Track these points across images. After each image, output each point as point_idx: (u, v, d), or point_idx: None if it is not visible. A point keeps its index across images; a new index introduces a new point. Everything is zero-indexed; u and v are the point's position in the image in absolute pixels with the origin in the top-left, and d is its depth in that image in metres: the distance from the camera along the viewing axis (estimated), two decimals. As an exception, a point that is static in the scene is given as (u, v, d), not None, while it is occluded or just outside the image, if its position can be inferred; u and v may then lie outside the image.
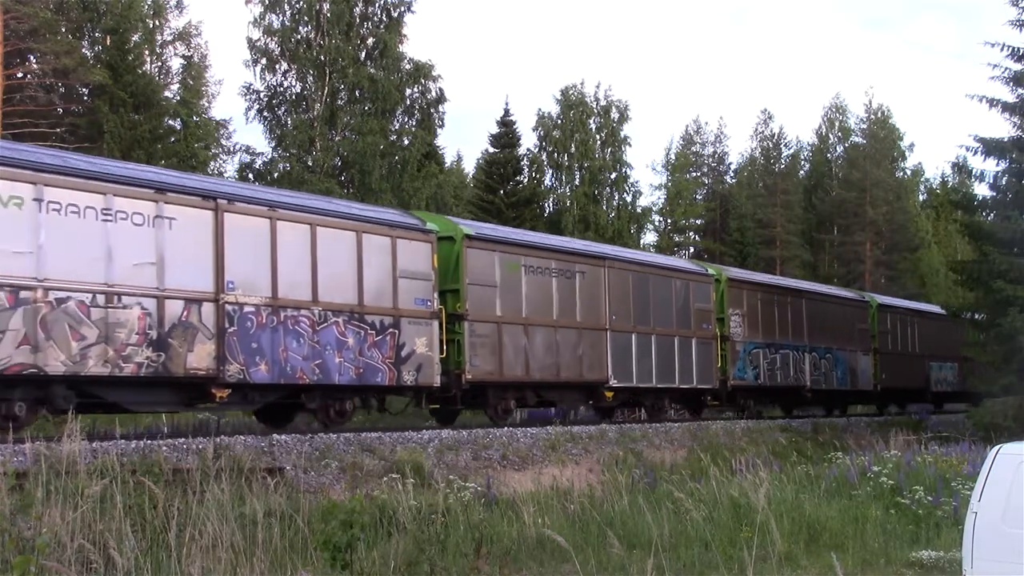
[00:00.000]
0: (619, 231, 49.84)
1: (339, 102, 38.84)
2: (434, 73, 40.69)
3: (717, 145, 66.75)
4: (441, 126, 42.45)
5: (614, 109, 52.57)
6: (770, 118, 69.14)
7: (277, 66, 39.23)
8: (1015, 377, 25.00)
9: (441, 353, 18.87)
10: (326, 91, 38.21)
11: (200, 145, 41.35)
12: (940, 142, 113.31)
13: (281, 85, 39.41)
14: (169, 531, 9.52)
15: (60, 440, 11.40)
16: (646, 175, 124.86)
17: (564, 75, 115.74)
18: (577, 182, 51.38)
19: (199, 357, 15.10)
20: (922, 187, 74.54)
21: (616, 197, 52.43)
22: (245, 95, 39.34)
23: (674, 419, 25.41)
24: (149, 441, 13.45)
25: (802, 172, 68.15)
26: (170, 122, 40.76)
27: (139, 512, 10.21)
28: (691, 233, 64.47)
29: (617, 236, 47.94)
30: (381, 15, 40.30)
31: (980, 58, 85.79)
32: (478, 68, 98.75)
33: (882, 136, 64.97)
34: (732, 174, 67.82)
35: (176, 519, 9.59)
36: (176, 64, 44.35)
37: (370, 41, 39.97)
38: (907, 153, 68.85)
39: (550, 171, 52.40)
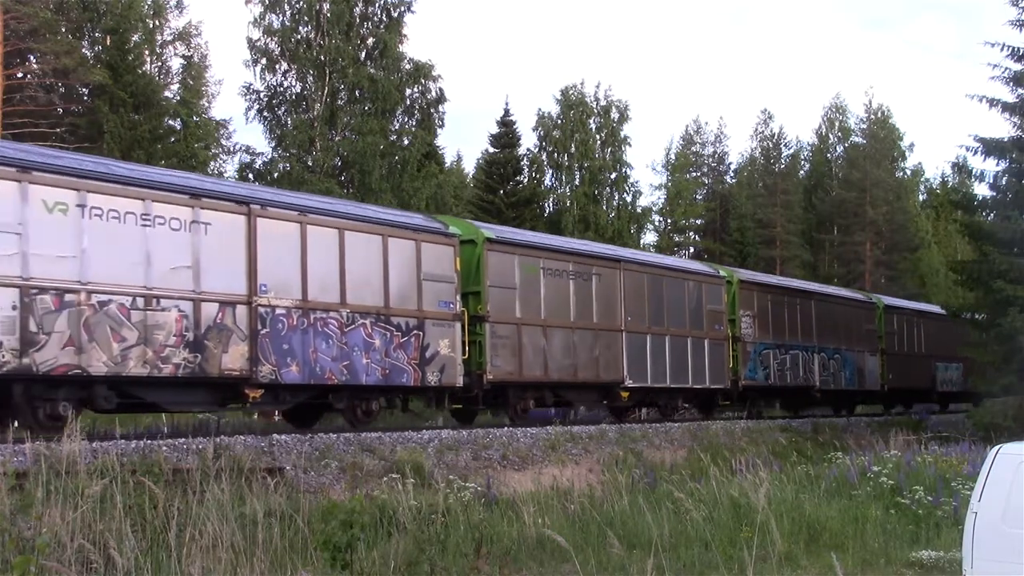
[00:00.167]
0: (619, 231, 49.85)
1: (339, 102, 38.83)
2: (434, 73, 40.72)
3: (717, 145, 66.83)
4: (441, 126, 42.52)
5: (614, 109, 52.60)
6: (770, 118, 69.24)
7: (277, 66, 39.23)
8: (1015, 377, 24.99)
9: (463, 354, 19.27)
10: (326, 91, 38.20)
11: (200, 145, 41.37)
12: (940, 142, 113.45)
13: (281, 85, 39.42)
14: (169, 531, 9.52)
15: (60, 440, 11.41)
16: (646, 175, 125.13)
17: (564, 75, 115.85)
18: (577, 182, 51.40)
19: (233, 358, 15.54)
20: (922, 187, 74.60)
21: (616, 197, 52.46)
22: (245, 95, 39.38)
23: (674, 419, 25.50)
24: (149, 441, 13.45)
25: (802, 172, 68.17)
26: (170, 122, 40.79)
27: (139, 512, 10.21)
28: (691, 233, 64.47)
29: (617, 236, 47.94)
30: (381, 15, 40.29)
31: (980, 58, 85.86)
32: (478, 68, 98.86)
33: (882, 136, 64.98)
34: (732, 174, 67.85)
35: (176, 519, 9.59)
36: (176, 64, 44.45)
37: (370, 41, 39.96)
38: (907, 153, 69.02)
39: (550, 171, 52.46)
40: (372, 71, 38.90)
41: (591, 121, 52.33)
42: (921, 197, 73.12)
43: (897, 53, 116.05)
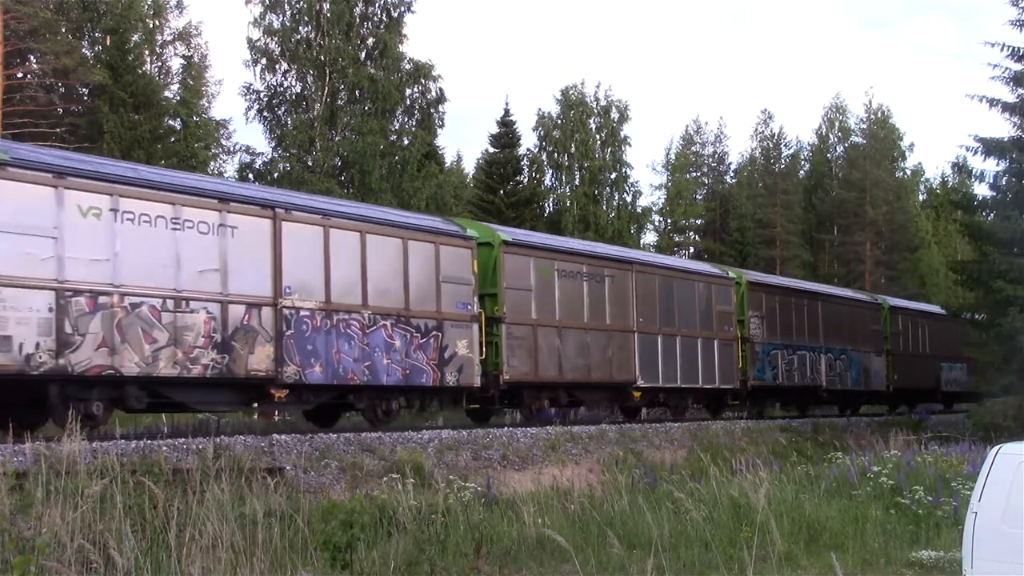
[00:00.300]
0: (619, 231, 49.84)
1: (339, 102, 38.83)
2: (434, 73, 40.73)
3: (717, 145, 66.81)
4: (441, 126, 42.55)
5: (614, 109, 52.60)
6: (770, 118, 69.21)
7: (277, 66, 39.23)
8: (1015, 377, 24.99)
9: (480, 355, 19.61)
10: (326, 91, 38.20)
11: (200, 145, 41.37)
12: (940, 142, 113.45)
13: (281, 85, 39.42)
14: (169, 531, 9.52)
15: (60, 440, 11.41)
16: (646, 175, 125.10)
17: (564, 75, 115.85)
18: (577, 182, 51.39)
19: (259, 359, 15.89)
20: (922, 187, 74.61)
21: (616, 197, 52.45)
22: (245, 95, 39.39)
23: (674, 419, 25.58)
24: (149, 441, 13.46)
25: (802, 172, 68.16)
26: (170, 122, 40.78)
27: (139, 512, 10.21)
28: (691, 233, 64.46)
29: (617, 236, 47.94)
30: (381, 15, 40.30)
31: (980, 58, 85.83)
32: (478, 68, 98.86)
33: (882, 136, 64.97)
34: (732, 174, 67.84)
35: (176, 519, 9.59)
36: (176, 64, 44.44)
37: (370, 41, 39.96)
38: (907, 153, 69.01)
39: (550, 171, 52.45)
40: (372, 71, 38.90)
41: (591, 121, 52.32)
42: (921, 197, 73.13)
43: (897, 53, 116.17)
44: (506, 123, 49.71)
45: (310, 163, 37.93)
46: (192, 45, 44.41)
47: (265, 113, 39.36)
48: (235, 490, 10.98)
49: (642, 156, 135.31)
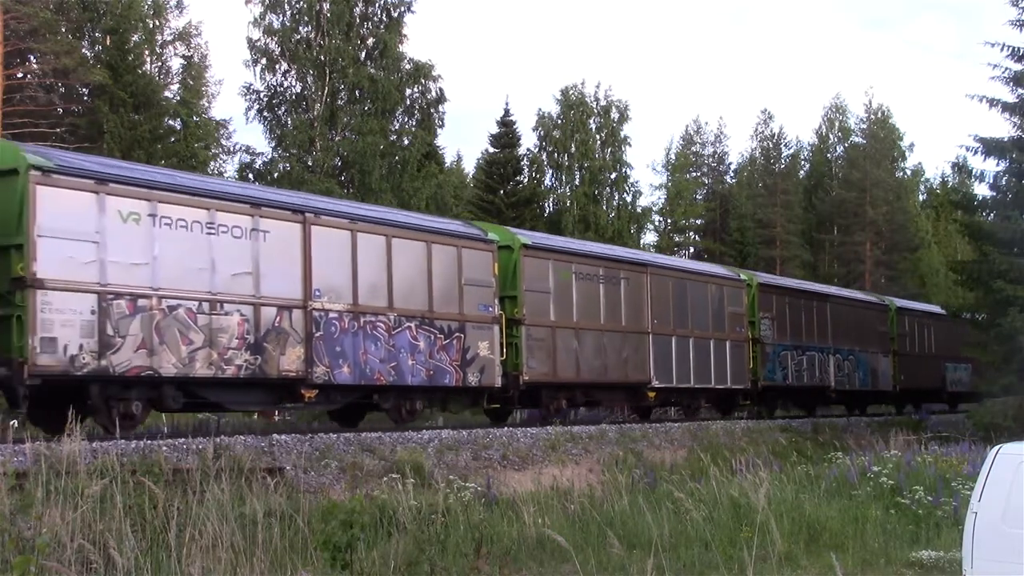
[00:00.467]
0: (619, 231, 49.84)
1: (339, 102, 38.83)
2: (434, 73, 40.72)
3: (717, 145, 66.81)
4: (441, 126, 42.54)
5: (614, 109, 52.61)
6: (770, 118, 69.13)
7: (277, 66, 39.23)
8: (1015, 377, 24.99)
9: (501, 355, 20.06)
10: (326, 91, 38.20)
11: (200, 145, 41.36)
12: (940, 142, 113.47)
13: (281, 85, 39.42)
14: (169, 531, 9.52)
15: (60, 440, 11.40)
16: (646, 175, 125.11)
17: (564, 75, 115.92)
18: (577, 182, 51.40)
19: (290, 360, 16.29)
20: (922, 187, 74.58)
21: (616, 197, 52.47)
22: (245, 95, 39.38)
23: (674, 419, 25.70)
24: (149, 441, 13.46)
25: (802, 172, 68.16)
26: (170, 122, 40.77)
27: (139, 512, 10.21)
28: (691, 233, 64.47)
29: (617, 236, 47.95)
30: (381, 15, 40.29)
31: (980, 58, 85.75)
32: (478, 68, 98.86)
33: (882, 136, 64.96)
34: (732, 174, 67.84)
35: (176, 519, 9.59)
36: (176, 64, 44.42)
37: (370, 41, 39.95)
38: (907, 153, 69.02)
39: (550, 171, 52.46)
40: (372, 71, 38.90)
41: (591, 121, 52.33)
42: (921, 197, 73.11)
43: (897, 53, 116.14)
44: (506, 123, 49.70)
45: (310, 163, 37.93)
46: (192, 45, 44.43)
47: (265, 113, 39.36)
48: (235, 490, 10.98)
49: (642, 156, 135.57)
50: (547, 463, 17.39)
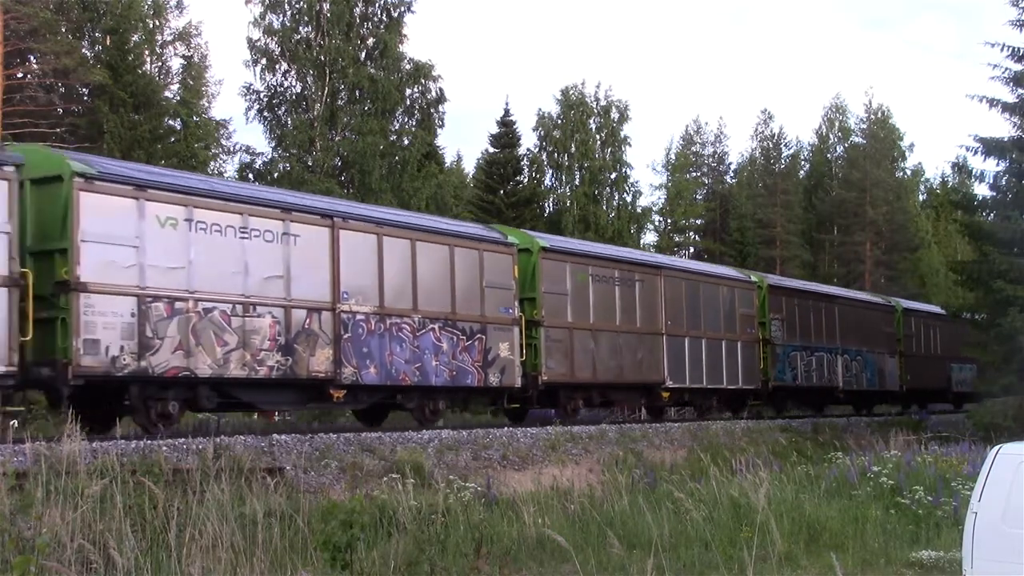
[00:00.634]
0: (619, 231, 49.82)
1: (339, 102, 38.83)
2: (434, 73, 40.75)
3: (717, 145, 66.78)
4: (441, 126, 42.57)
5: (614, 109, 52.59)
6: (770, 118, 69.07)
7: (277, 66, 39.25)
8: (1015, 377, 24.98)
9: (520, 356, 20.50)
10: (326, 91, 38.21)
11: (200, 145, 41.33)
12: (940, 142, 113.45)
13: (281, 85, 39.44)
14: (169, 531, 9.52)
15: (60, 440, 11.40)
16: (646, 175, 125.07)
17: (564, 75, 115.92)
18: (577, 182, 51.39)
19: (319, 361, 16.72)
20: (922, 187, 74.56)
21: (616, 197, 52.45)
22: (245, 95, 39.40)
23: (674, 419, 25.82)
24: (149, 441, 13.47)
25: (802, 172, 68.14)
26: (170, 122, 40.73)
27: (139, 512, 10.21)
28: (691, 233, 64.46)
29: (617, 236, 47.93)
30: (381, 15, 40.30)
31: (980, 58, 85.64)
32: (478, 68, 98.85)
33: (882, 136, 64.94)
34: (732, 174, 67.82)
35: (176, 519, 9.59)
36: (176, 64, 44.36)
37: (370, 41, 39.96)
38: (907, 153, 68.99)
39: (550, 171, 52.45)
40: (372, 71, 38.90)
41: (591, 121, 52.32)
42: (921, 197, 73.08)
43: (897, 53, 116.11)
44: (506, 123, 49.67)
45: (310, 163, 37.94)
46: (192, 45, 44.36)
47: (265, 113, 39.38)
48: (235, 490, 10.98)
49: (642, 156, 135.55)
50: (547, 463, 17.39)
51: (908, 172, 70.16)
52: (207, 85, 44.83)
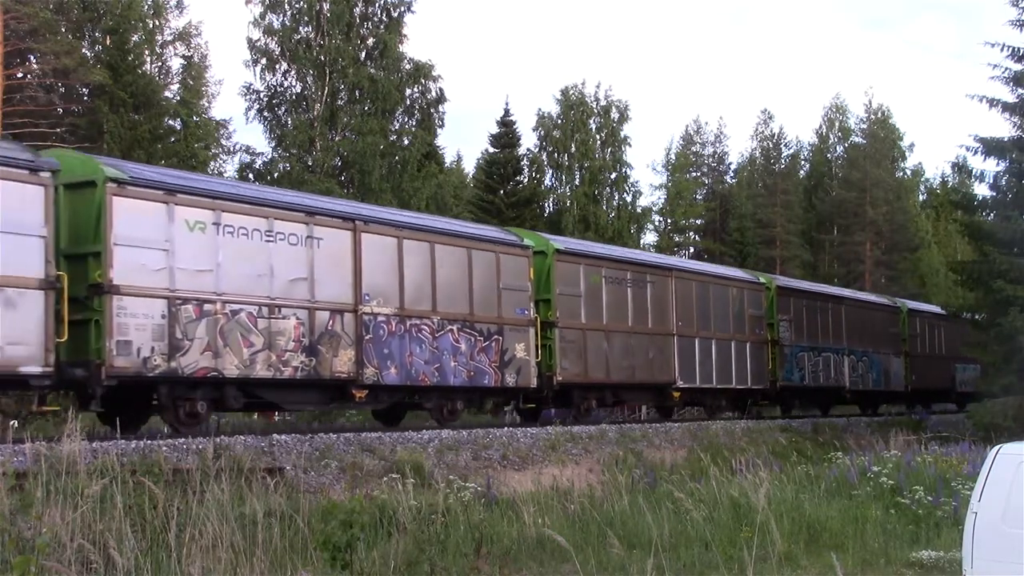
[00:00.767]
0: (619, 231, 49.82)
1: (339, 102, 38.83)
2: (434, 73, 40.75)
3: (717, 145, 66.79)
4: (441, 126, 42.58)
5: (614, 109, 52.60)
6: (770, 118, 69.08)
7: (277, 66, 39.25)
8: (1015, 377, 24.98)
9: (536, 357, 20.87)
10: (326, 91, 38.20)
11: (200, 145, 41.32)
12: (940, 142, 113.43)
13: (281, 85, 39.44)
14: (169, 531, 9.51)
15: (60, 440, 11.40)
16: (646, 175, 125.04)
17: (564, 75, 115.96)
18: (577, 182, 51.40)
19: (342, 361, 17.04)
20: (922, 187, 74.54)
21: (616, 197, 52.46)
22: (245, 95, 39.40)
23: (674, 419, 25.91)
24: (149, 441, 13.48)
25: (802, 172, 68.14)
26: (170, 122, 40.72)
27: (139, 512, 10.21)
28: (691, 233, 64.45)
29: (617, 236, 47.93)
30: (381, 15, 40.30)
31: (980, 58, 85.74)
32: (478, 68, 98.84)
33: (882, 136, 64.93)
34: (732, 174, 67.82)
35: (176, 519, 9.58)
36: (176, 64, 44.34)
37: (370, 41, 39.96)
38: (907, 153, 69.00)
39: (550, 171, 52.47)
40: (372, 71, 38.90)
41: (591, 121, 52.33)
42: (921, 197, 73.07)
43: (897, 53, 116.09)
44: (506, 123, 49.66)
45: (310, 163, 37.93)
46: (192, 45, 44.34)
47: (265, 113, 39.38)
48: (235, 490, 10.97)
49: (642, 156, 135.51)
50: (547, 463, 17.39)
51: (908, 172, 70.19)
52: (207, 85, 44.82)
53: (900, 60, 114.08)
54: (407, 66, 40.07)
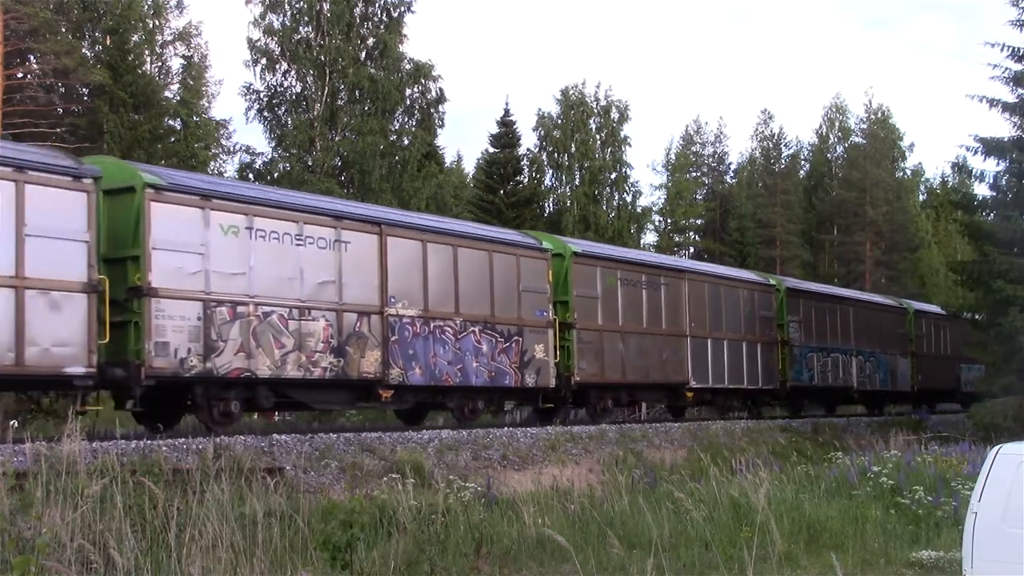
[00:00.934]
0: (619, 231, 49.81)
1: (339, 102, 38.81)
2: (434, 73, 40.72)
3: (717, 145, 66.77)
4: (441, 126, 42.54)
5: (614, 109, 52.58)
6: (770, 118, 69.01)
7: (277, 66, 39.22)
8: (1015, 377, 24.98)
9: (554, 358, 21.23)
10: (326, 91, 38.19)
11: (200, 145, 41.34)
12: (940, 142, 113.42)
13: (281, 85, 39.41)
14: (169, 531, 9.51)
15: (60, 440, 11.40)
16: (646, 175, 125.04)
17: (564, 75, 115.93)
18: (577, 182, 51.39)
19: (369, 362, 17.45)
20: (922, 187, 74.53)
21: (616, 197, 52.44)
22: (245, 95, 39.36)
23: (674, 419, 25.98)
24: (149, 441, 13.49)
25: (802, 172, 68.12)
26: (170, 122, 40.75)
27: (139, 512, 10.21)
28: (691, 233, 64.44)
29: (617, 236, 47.92)
30: (381, 15, 40.28)
31: (980, 58, 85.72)
32: (478, 68, 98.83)
33: (882, 136, 64.92)
34: (732, 174, 67.80)
35: (176, 519, 9.59)
36: (176, 64, 44.38)
37: (370, 41, 39.95)
38: (907, 153, 68.96)
39: (550, 171, 52.44)
40: (372, 71, 38.88)
41: (591, 121, 52.31)
42: (921, 197, 73.05)
43: (897, 53, 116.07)
44: (506, 123, 49.63)
45: (310, 163, 37.92)
46: (192, 45, 44.38)
47: (265, 113, 39.35)
48: (235, 490, 10.97)
49: (642, 156, 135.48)
50: (547, 463, 17.39)
51: (908, 172, 70.17)
52: (207, 85, 44.86)
53: (900, 60, 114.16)
54: (407, 66, 40.06)
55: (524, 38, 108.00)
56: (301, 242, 16.55)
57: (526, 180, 50.83)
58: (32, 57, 36.04)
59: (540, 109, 54.62)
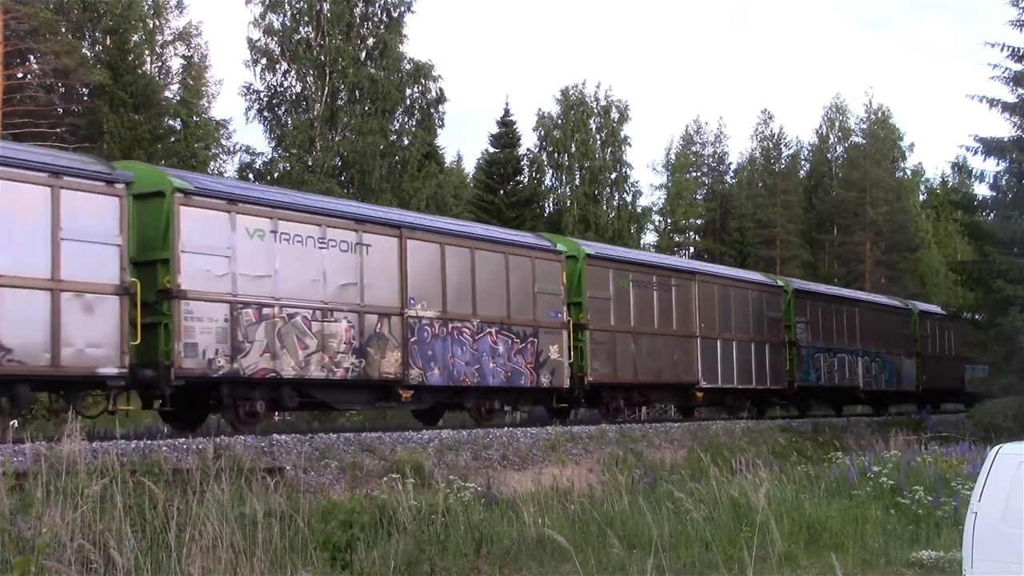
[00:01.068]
0: (619, 231, 49.80)
1: (339, 102, 38.81)
2: (434, 73, 40.72)
3: (717, 145, 66.74)
4: (441, 126, 42.52)
5: (614, 109, 52.57)
6: (770, 118, 69.00)
7: (277, 66, 39.21)
8: (1015, 377, 24.97)
9: (568, 358, 21.52)
10: (326, 91, 38.19)
11: (200, 145, 41.35)
12: (940, 142, 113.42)
13: (281, 85, 39.40)
14: (169, 531, 9.51)
15: (60, 440, 11.40)
16: (646, 175, 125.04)
17: (564, 75, 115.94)
18: (577, 182, 51.38)
19: (389, 363, 17.80)
20: (922, 187, 74.54)
21: (616, 197, 52.44)
22: (245, 95, 39.35)
23: (674, 419, 26.05)
24: (149, 441, 13.49)
25: (802, 172, 68.11)
26: (170, 122, 40.76)
27: (139, 512, 10.21)
28: (691, 233, 64.44)
29: (617, 236, 47.92)
30: (381, 15, 40.28)
31: (980, 58, 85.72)
32: (478, 68, 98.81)
33: (882, 136, 64.92)
34: (732, 174, 67.77)
35: (176, 519, 9.58)
36: (176, 64, 44.40)
37: (370, 41, 39.94)
38: (907, 153, 68.97)
39: (550, 171, 52.43)
40: (372, 71, 38.88)
41: (591, 121, 52.30)
42: (921, 197, 73.07)
43: (897, 53, 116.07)
44: (506, 123, 49.63)
45: (310, 163, 37.92)
46: (192, 45, 44.40)
47: (265, 113, 39.34)
48: (235, 490, 10.97)
49: (642, 156, 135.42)
50: (547, 463, 17.39)
51: (908, 172, 70.18)
52: (207, 85, 44.87)
53: (900, 60, 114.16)
54: (407, 66, 40.06)
55: (524, 38, 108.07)
56: (324, 245, 16.87)
57: (526, 180, 50.83)
58: (32, 57, 36.06)
59: (540, 109, 54.68)
